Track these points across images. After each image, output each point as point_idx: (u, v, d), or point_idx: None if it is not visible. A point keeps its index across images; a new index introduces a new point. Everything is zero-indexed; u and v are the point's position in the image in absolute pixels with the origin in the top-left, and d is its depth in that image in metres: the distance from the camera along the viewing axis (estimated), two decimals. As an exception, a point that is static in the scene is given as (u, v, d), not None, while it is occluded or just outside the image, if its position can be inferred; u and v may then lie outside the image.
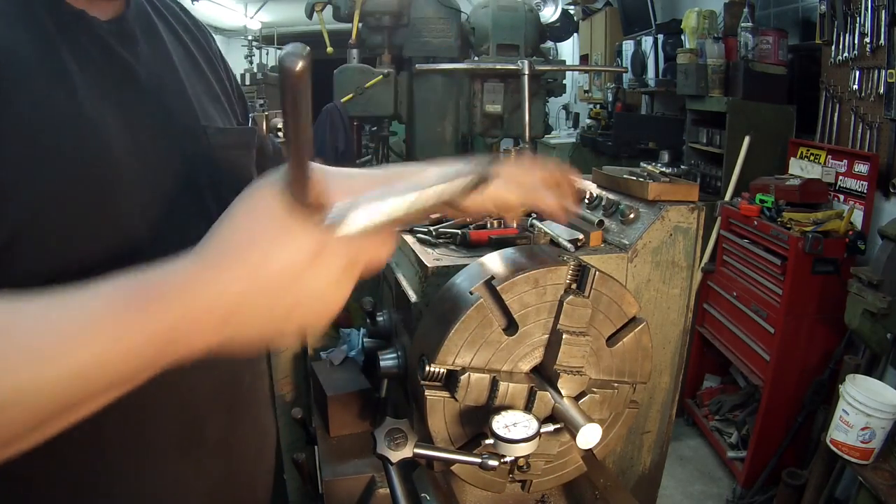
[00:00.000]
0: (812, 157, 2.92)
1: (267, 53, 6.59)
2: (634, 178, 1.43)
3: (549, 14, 3.74)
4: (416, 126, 3.72)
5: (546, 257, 0.89)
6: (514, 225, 1.37)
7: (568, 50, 6.53)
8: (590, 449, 0.90)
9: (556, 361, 0.82)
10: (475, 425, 0.86)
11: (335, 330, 1.51)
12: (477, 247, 1.35)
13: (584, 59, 5.83)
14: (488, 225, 1.45)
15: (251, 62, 6.17)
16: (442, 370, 0.81)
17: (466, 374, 0.80)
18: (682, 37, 3.94)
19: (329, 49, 3.69)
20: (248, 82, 4.96)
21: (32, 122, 0.57)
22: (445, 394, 0.82)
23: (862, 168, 2.65)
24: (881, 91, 2.56)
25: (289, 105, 0.43)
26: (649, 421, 1.44)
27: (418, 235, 1.41)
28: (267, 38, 6.37)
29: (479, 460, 0.80)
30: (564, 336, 0.82)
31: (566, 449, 0.91)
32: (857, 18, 2.64)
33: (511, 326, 0.83)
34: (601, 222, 1.37)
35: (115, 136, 0.65)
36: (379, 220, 0.49)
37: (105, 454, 0.68)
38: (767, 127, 3.13)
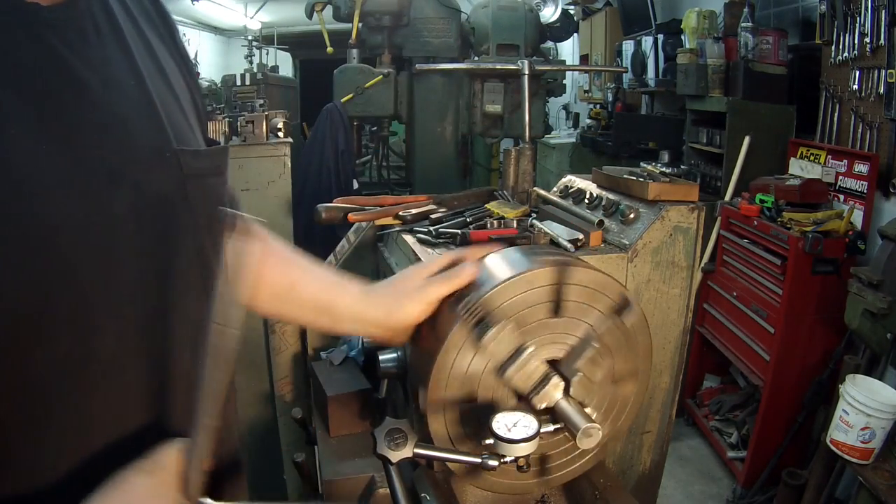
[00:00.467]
0: (812, 157, 2.92)
1: (267, 53, 6.58)
2: (634, 178, 1.43)
3: (549, 14, 3.74)
4: (416, 126, 3.73)
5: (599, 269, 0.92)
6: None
7: (568, 50, 6.53)
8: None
9: (577, 363, 0.83)
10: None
11: (335, 330, 1.51)
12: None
13: (584, 59, 5.83)
14: (488, 225, 1.45)
15: (251, 62, 6.16)
16: (481, 311, 0.80)
17: (505, 324, 0.80)
18: (682, 37, 3.94)
19: (329, 49, 3.69)
20: (248, 82, 4.95)
21: None
22: (471, 337, 0.81)
23: (862, 168, 2.65)
24: (881, 91, 2.56)
25: None
26: (649, 421, 1.44)
27: (418, 235, 1.41)
28: (267, 38, 6.36)
29: (479, 460, 0.80)
30: (594, 345, 0.84)
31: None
32: (857, 18, 2.64)
33: (559, 308, 0.83)
34: (601, 222, 1.37)
35: (47, 172, 0.49)
36: None
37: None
38: (767, 127, 3.13)
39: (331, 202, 1.60)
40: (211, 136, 0.73)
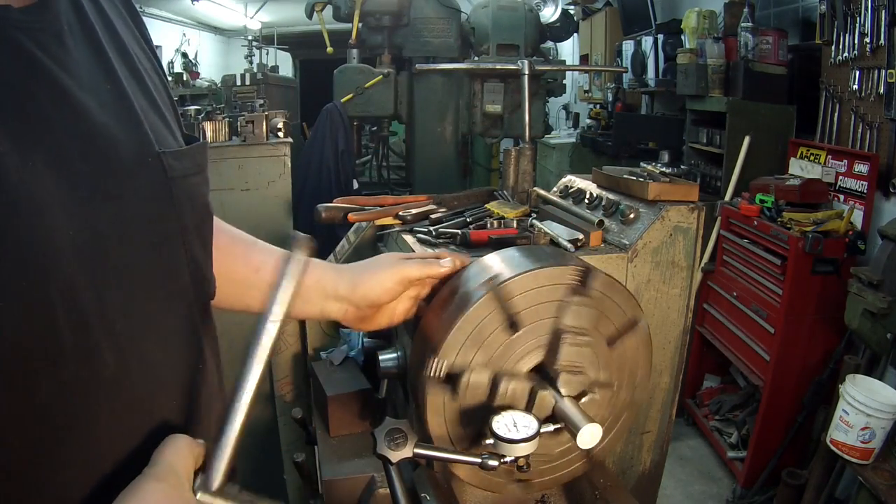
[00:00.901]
0: (812, 157, 2.92)
1: (267, 53, 6.59)
2: (634, 178, 1.43)
3: (549, 14, 3.75)
4: (416, 126, 3.73)
5: (549, 257, 0.89)
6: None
7: (568, 50, 6.53)
8: (589, 450, 0.90)
9: (558, 361, 0.82)
10: (475, 425, 0.86)
11: (335, 330, 1.51)
12: (477, 246, 1.35)
13: (584, 59, 5.84)
14: (488, 225, 1.45)
15: (251, 62, 6.17)
16: (443, 367, 0.81)
17: (468, 374, 0.80)
18: (682, 37, 3.94)
19: (329, 49, 3.69)
20: (248, 82, 4.95)
21: None
22: (446, 393, 0.82)
23: (862, 168, 2.65)
24: (881, 91, 2.56)
25: None
26: (649, 421, 1.44)
27: (418, 235, 1.41)
28: (267, 38, 6.36)
29: (479, 460, 0.80)
30: (566, 335, 0.82)
31: (566, 449, 0.91)
32: (857, 18, 2.64)
33: (514, 325, 0.83)
34: (601, 222, 1.37)
35: (40, 190, 0.47)
36: None
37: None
38: (767, 127, 3.13)
39: (331, 202, 1.60)
40: (186, 133, 0.70)
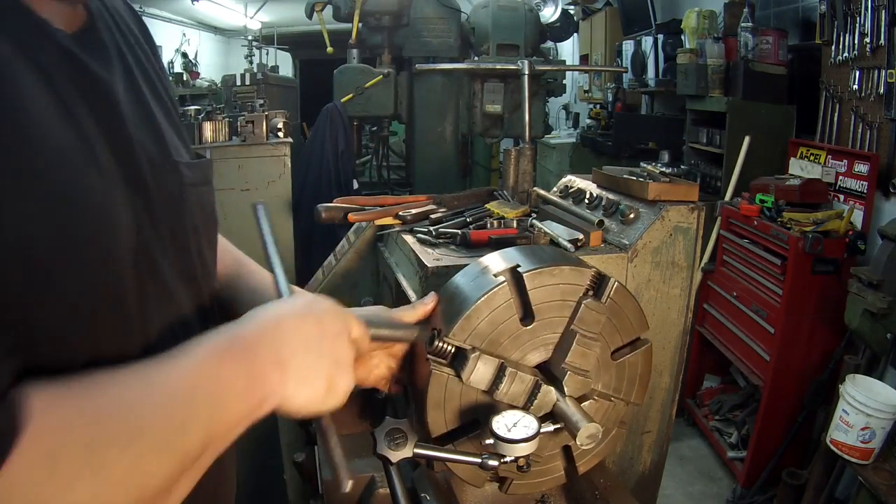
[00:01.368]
0: (812, 157, 2.92)
1: (267, 53, 6.58)
2: (634, 178, 1.43)
3: (549, 14, 3.74)
4: (416, 126, 3.73)
5: (567, 258, 0.90)
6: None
7: (568, 50, 6.53)
8: (573, 463, 0.91)
9: (566, 359, 0.82)
10: (471, 413, 0.86)
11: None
12: (477, 247, 1.35)
13: (584, 59, 5.84)
14: (488, 225, 1.46)
15: (251, 62, 6.16)
16: (451, 347, 0.80)
17: (477, 354, 0.80)
18: (682, 37, 3.95)
19: (329, 49, 3.69)
20: (248, 82, 4.95)
21: (34, 154, 0.48)
22: (451, 371, 0.82)
23: (862, 168, 2.65)
24: (881, 91, 2.56)
25: None
26: (649, 421, 1.44)
27: (418, 235, 1.41)
28: (267, 38, 6.36)
29: (479, 460, 0.80)
30: (578, 336, 0.82)
31: (550, 456, 0.91)
32: (857, 18, 2.64)
33: (528, 316, 0.83)
34: (601, 222, 1.37)
35: (107, 171, 0.55)
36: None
37: None
38: (767, 127, 3.13)
39: (331, 202, 1.60)
40: (196, 146, 0.77)
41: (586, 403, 0.86)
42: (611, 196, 1.49)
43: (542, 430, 0.79)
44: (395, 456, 0.78)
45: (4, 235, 0.44)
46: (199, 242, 0.71)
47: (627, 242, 1.33)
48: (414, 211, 1.55)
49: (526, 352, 0.84)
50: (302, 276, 2.53)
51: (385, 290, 1.63)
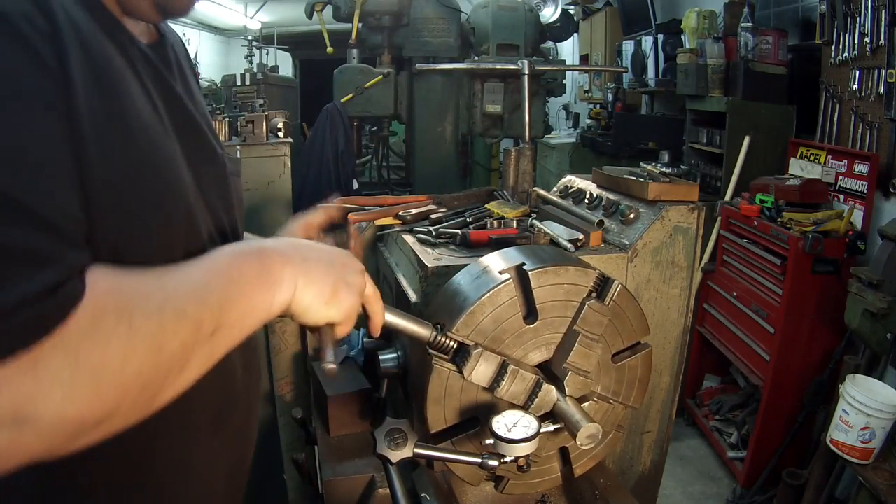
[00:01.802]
0: (812, 157, 2.92)
1: (267, 53, 6.58)
2: (634, 178, 1.43)
3: (549, 14, 3.74)
4: (416, 126, 3.73)
5: (570, 259, 0.90)
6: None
7: (568, 50, 6.53)
8: (570, 465, 0.91)
9: (568, 359, 0.82)
10: (471, 410, 0.86)
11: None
12: (477, 247, 1.35)
13: (584, 59, 5.83)
14: (488, 225, 1.46)
15: (251, 62, 6.16)
16: (453, 343, 0.80)
17: (479, 350, 0.80)
18: (682, 37, 3.94)
19: (329, 49, 3.69)
20: (248, 82, 4.95)
21: (133, 123, 0.62)
22: (452, 367, 0.82)
23: (862, 168, 2.65)
24: (881, 91, 2.55)
25: None
26: (649, 421, 1.44)
27: (418, 235, 1.41)
28: (267, 38, 6.36)
29: (479, 460, 0.80)
30: (580, 337, 0.82)
31: (547, 458, 0.91)
32: (857, 18, 2.64)
33: (532, 315, 0.83)
34: (601, 222, 1.37)
35: (174, 149, 0.69)
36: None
37: (152, 426, 0.65)
38: (767, 127, 3.13)
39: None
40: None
41: (585, 405, 0.86)
42: (611, 196, 1.49)
43: (542, 430, 0.79)
44: (395, 456, 0.78)
45: (105, 179, 0.57)
46: (232, 220, 0.84)
47: (627, 242, 1.33)
48: (414, 211, 1.55)
49: (528, 350, 0.84)
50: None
51: (385, 289, 1.63)
